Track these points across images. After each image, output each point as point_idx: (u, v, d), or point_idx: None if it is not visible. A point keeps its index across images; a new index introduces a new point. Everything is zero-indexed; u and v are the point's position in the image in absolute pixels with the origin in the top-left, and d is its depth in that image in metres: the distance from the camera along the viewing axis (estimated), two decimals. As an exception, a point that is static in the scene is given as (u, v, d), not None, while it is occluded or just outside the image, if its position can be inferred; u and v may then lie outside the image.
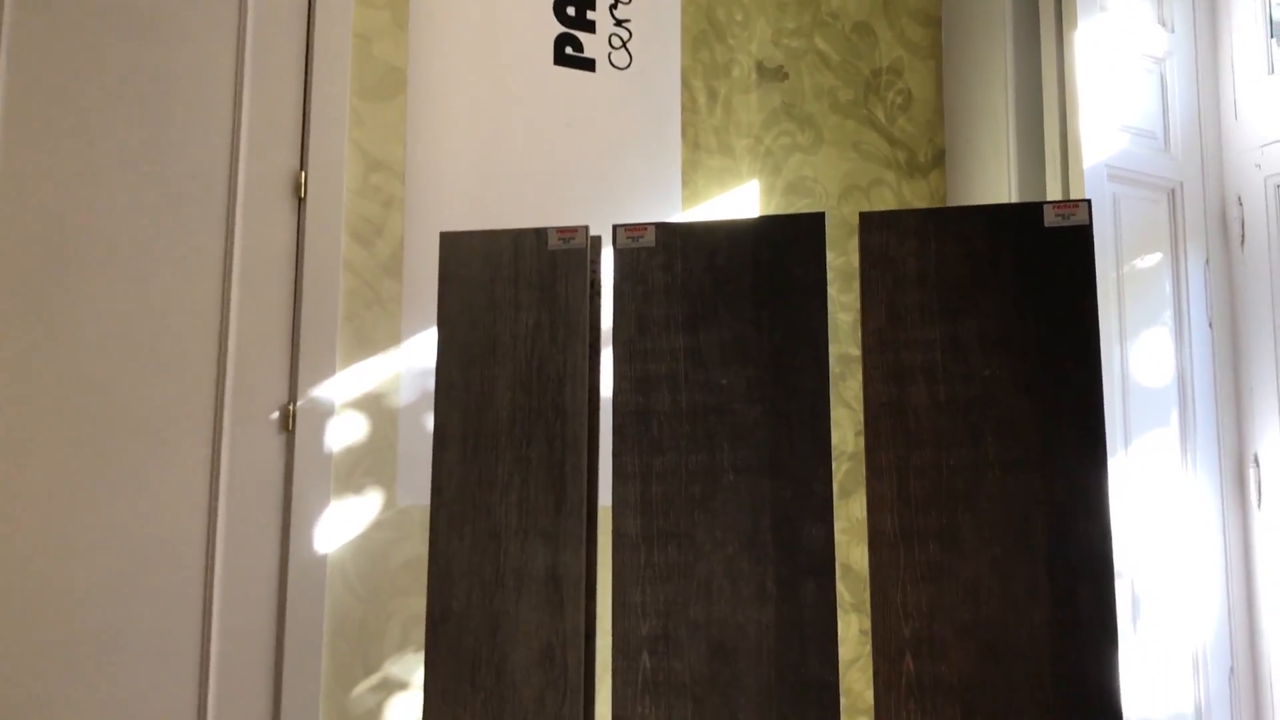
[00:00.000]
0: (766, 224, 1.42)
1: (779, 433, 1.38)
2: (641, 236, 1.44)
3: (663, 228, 1.44)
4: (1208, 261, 2.61)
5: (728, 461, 1.39)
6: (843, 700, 2.46)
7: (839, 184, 2.62)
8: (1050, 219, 1.36)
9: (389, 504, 2.02)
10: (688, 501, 1.39)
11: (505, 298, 1.46)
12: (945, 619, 1.31)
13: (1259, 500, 2.55)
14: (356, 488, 2.00)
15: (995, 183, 2.60)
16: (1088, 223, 1.35)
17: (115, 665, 1.74)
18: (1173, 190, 2.58)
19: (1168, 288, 2.57)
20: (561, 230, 1.45)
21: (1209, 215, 2.62)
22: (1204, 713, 2.47)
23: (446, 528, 1.44)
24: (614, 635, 1.39)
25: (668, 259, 1.44)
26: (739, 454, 1.39)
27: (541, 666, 1.39)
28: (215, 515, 1.85)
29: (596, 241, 1.48)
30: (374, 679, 1.97)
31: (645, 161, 2.34)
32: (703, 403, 1.41)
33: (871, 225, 1.40)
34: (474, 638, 1.41)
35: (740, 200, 2.49)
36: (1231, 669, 2.52)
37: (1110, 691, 1.26)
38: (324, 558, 1.92)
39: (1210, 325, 2.60)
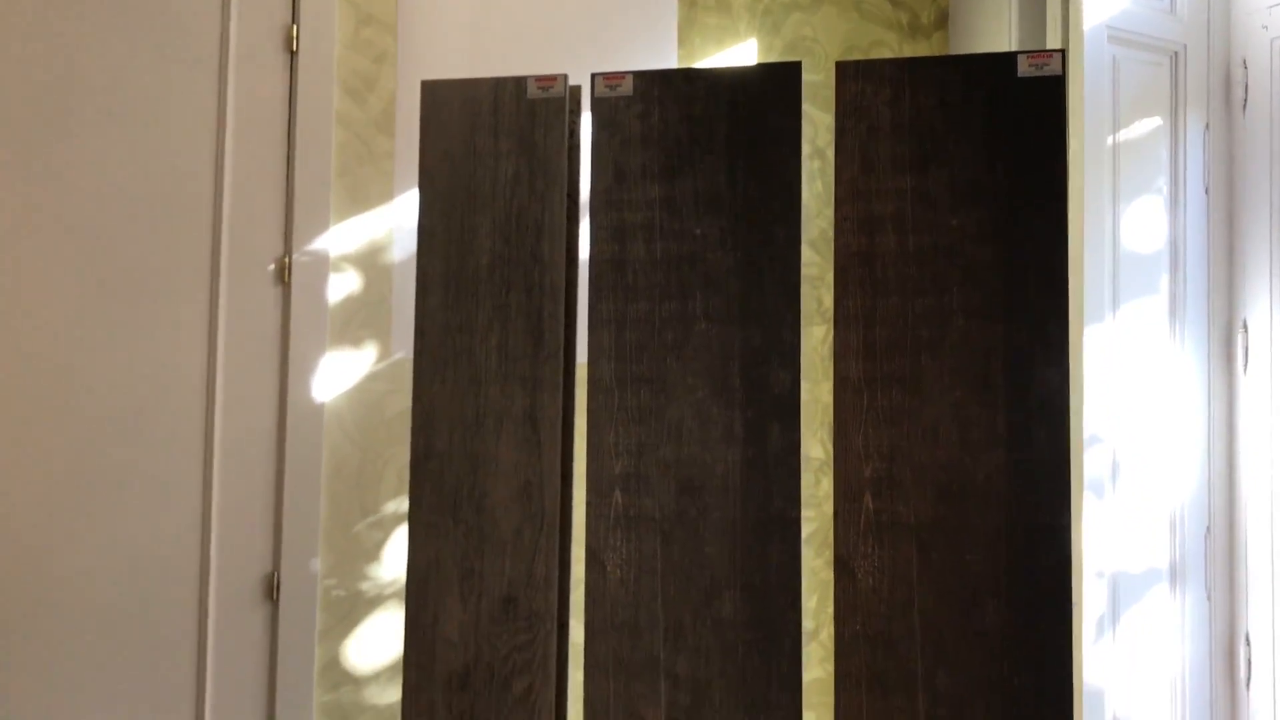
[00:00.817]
0: (743, 74, 1.43)
1: (750, 281, 1.41)
2: (619, 85, 1.45)
3: (641, 76, 1.45)
4: (1208, 127, 2.59)
5: (700, 309, 1.43)
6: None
7: (839, 45, 2.59)
8: (1024, 69, 1.36)
9: (383, 355, 2.08)
10: (660, 348, 1.44)
11: (485, 147, 1.48)
12: (905, 461, 1.37)
13: (1245, 366, 2.58)
14: (352, 340, 2.05)
15: (996, 44, 2.57)
16: (1060, 73, 1.35)
17: (122, 505, 1.82)
18: (1175, 53, 2.55)
19: (1164, 154, 2.56)
20: (540, 79, 1.47)
21: (1212, 79, 2.59)
22: (1179, 570, 2.55)
23: (429, 371, 1.49)
24: (588, 474, 1.45)
25: (645, 108, 1.45)
26: (711, 302, 1.42)
27: (519, 502, 1.46)
28: (214, 365, 1.91)
29: (576, 91, 1.50)
30: (370, 520, 2.05)
31: (641, 18, 2.33)
32: (677, 252, 1.44)
33: (847, 75, 1.41)
34: (456, 475, 1.48)
35: (737, 60, 2.47)
36: (1208, 529, 2.59)
37: (1060, 529, 1.32)
38: (321, 406, 1.98)
39: (1206, 192, 2.60)
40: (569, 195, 1.48)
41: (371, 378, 2.06)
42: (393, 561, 2.07)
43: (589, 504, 1.44)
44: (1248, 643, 2.56)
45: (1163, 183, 2.54)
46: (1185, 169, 2.55)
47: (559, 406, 1.46)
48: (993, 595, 1.32)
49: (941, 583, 1.34)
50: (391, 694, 2.05)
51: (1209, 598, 2.58)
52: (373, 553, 2.05)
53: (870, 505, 1.37)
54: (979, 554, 1.33)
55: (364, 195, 2.08)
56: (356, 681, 2.03)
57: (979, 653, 1.32)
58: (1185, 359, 2.57)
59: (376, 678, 2.05)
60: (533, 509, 1.45)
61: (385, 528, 2.07)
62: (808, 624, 2.53)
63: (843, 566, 1.37)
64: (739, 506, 1.40)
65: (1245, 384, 2.58)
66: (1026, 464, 1.33)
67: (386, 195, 2.10)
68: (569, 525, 1.49)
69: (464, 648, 1.45)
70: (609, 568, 1.43)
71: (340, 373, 2.03)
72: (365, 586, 2.04)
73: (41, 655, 1.74)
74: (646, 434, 1.43)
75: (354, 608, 2.03)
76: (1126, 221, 2.50)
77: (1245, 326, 2.58)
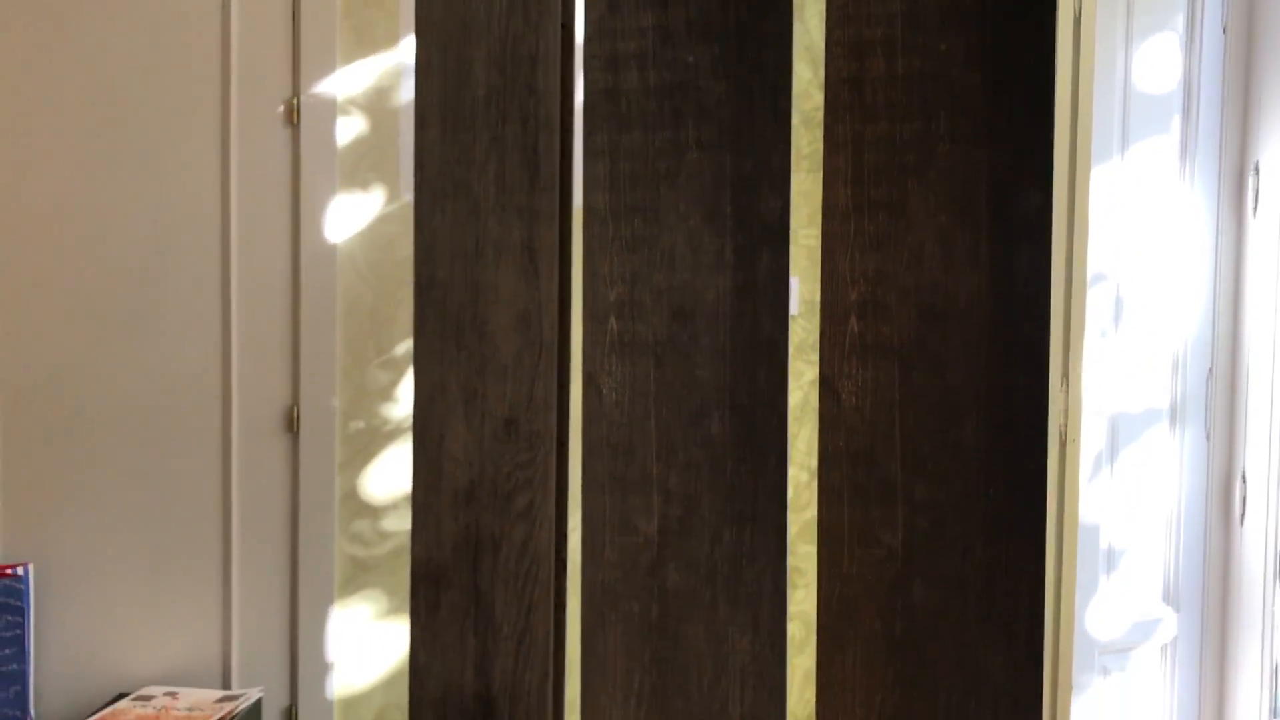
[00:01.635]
0: (736, -101, 1.42)
1: (741, 108, 1.44)
2: (611, -87, 1.45)
3: (633, -96, 1.45)
4: (1229, -38, 2.53)
5: (692, 138, 1.45)
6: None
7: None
8: (1016, -111, 1.35)
9: (393, 198, 2.12)
10: (653, 177, 1.47)
11: (479, -23, 1.49)
12: (889, 284, 1.41)
13: (1255, 208, 2.58)
14: (362, 182, 2.09)
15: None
16: (1053, -108, 1.34)
17: (147, 340, 1.90)
18: (1199, -116, 2.48)
19: (1183, -10, 2.51)
20: (533, -93, 1.47)
21: (1235, -89, 2.53)
22: (1179, 410, 2.60)
23: (429, 203, 1.53)
24: (584, 301, 1.50)
25: (637, -64, 1.45)
26: (703, 130, 1.45)
27: (519, 329, 1.52)
28: (229, 207, 1.96)
29: (569, -80, 1.50)
30: (385, 358, 2.12)
31: None
32: (670, 80, 1.46)
33: (838, -102, 1.40)
34: (458, 303, 1.53)
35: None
36: (1210, 370, 2.63)
37: (1038, 348, 1.36)
38: (334, 247, 2.03)
39: (1224, 31, 2.55)
40: (564, 25, 1.49)
41: (382, 220, 2.11)
42: (406, 399, 2.14)
43: (585, 330, 1.49)
44: (1244, 481, 2.63)
45: (1179, 21, 2.50)
46: (1203, 7, 2.50)
47: (555, 237, 1.50)
48: (971, 412, 1.37)
49: (922, 401, 1.39)
50: (408, 522, 2.15)
51: (1208, 438, 2.63)
52: (388, 390, 2.13)
53: (855, 328, 1.41)
54: (959, 373, 1.38)
55: (370, 37, 2.09)
56: (375, 511, 2.13)
57: (957, 467, 1.38)
58: (1194, 200, 2.57)
59: (395, 507, 2.15)
60: (531, 335, 1.51)
61: (399, 367, 2.14)
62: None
63: (827, 387, 1.42)
64: (728, 332, 1.45)
65: (1254, 226, 2.58)
66: (1008, 285, 1.37)
67: (392, 38, 2.11)
68: (567, 351, 1.55)
69: (469, 466, 1.53)
70: (605, 391, 1.49)
71: (351, 215, 2.08)
72: (381, 422, 2.12)
73: (82, 470, 1.84)
74: (640, 263, 1.47)
75: (371, 441, 2.12)
76: (1139, 61, 2.47)
77: (1256, 169, 2.57)
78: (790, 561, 2.59)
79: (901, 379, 1.40)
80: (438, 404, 1.54)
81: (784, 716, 1.43)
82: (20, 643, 1.66)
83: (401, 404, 2.13)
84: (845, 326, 1.41)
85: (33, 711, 1.71)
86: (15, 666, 1.66)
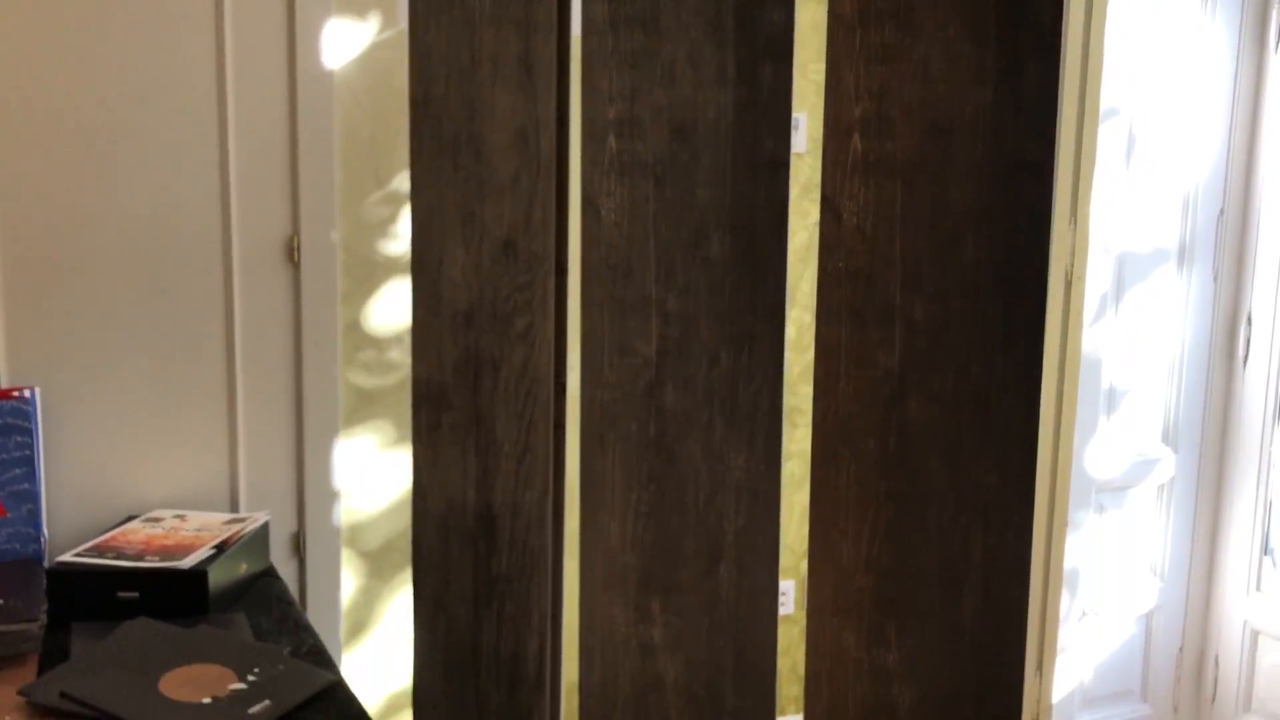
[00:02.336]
0: None
1: (744, -86, 1.38)
2: None
3: None
4: None
5: (693, -54, 1.40)
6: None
7: None
8: None
9: (388, 24, 2.07)
10: (654, -13, 1.42)
11: None
12: (894, 99, 1.37)
13: (1276, 44, 2.50)
14: (357, 10, 2.04)
15: None
16: None
17: (144, 170, 1.87)
18: None
19: None
20: None
21: None
22: (1187, 250, 2.58)
23: (423, 15, 1.49)
24: (583, 119, 1.48)
25: None
26: (705, -62, 1.40)
27: (516, 148, 1.49)
28: (222, 31, 1.91)
29: None
30: (385, 190, 2.10)
31: None
32: (671, -115, 1.40)
33: None
34: (454, 121, 1.51)
35: None
36: (1221, 210, 2.59)
37: (1043, 166, 1.34)
38: (330, 73, 1.99)
39: None
40: None
41: (378, 46, 2.06)
42: (408, 233, 2.13)
43: (584, 149, 1.47)
44: (1249, 323, 2.62)
45: None
46: None
47: (553, 50, 1.46)
48: (973, 231, 1.36)
49: (924, 219, 1.37)
50: (412, 354, 2.16)
51: (1215, 279, 2.61)
52: (388, 224, 2.11)
53: (858, 145, 1.39)
54: (962, 190, 1.36)
55: None
56: (378, 343, 2.14)
57: (956, 286, 1.37)
58: (1215, 34, 2.49)
59: (399, 340, 2.16)
60: (529, 154, 1.49)
61: (399, 201, 2.12)
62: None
63: (828, 206, 1.40)
64: (729, 150, 1.43)
65: (1275, 62, 2.51)
66: (1014, 101, 1.34)
67: None
68: (565, 171, 1.53)
69: (467, 288, 1.53)
70: (603, 212, 1.48)
71: (347, 41, 2.03)
72: (382, 254, 2.12)
73: (84, 298, 1.85)
74: (640, 78, 1.44)
75: (372, 273, 2.11)
76: (1166, -117, 2.37)
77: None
78: (791, 402, 2.61)
79: (904, 197, 1.38)
80: (435, 225, 1.53)
81: (778, 532, 1.45)
82: (30, 463, 1.69)
83: (402, 239, 2.12)
84: (848, 143, 1.39)
85: (45, 531, 1.75)
86: (26, 486, 1.69)
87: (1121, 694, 2.65)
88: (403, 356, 2.16)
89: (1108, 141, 2.38)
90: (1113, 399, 2.54)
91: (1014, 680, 1.39)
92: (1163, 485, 2.64)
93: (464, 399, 1.54)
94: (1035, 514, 1.38)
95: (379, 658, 2.24)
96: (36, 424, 1.72)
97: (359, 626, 2.21)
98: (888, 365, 1.39)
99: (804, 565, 2.71)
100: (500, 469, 1.54)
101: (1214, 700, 2.68)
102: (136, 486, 1.92)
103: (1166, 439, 2.63)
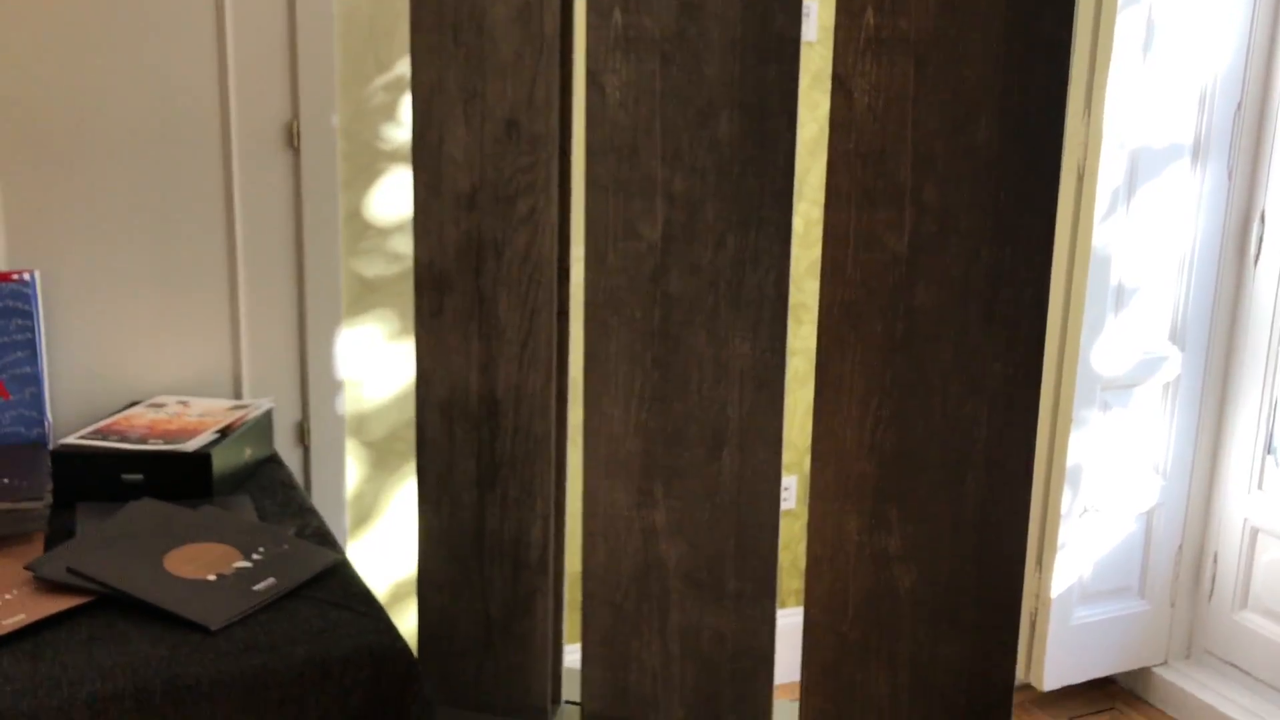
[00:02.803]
0: None
1: None
2: None
3: None
4: None
5: None
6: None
7: None
8: None
9: (388, -101, 2.00)
10: None
11: None
12: (909, -27, 1.33)
13: (1306, -71, 2.42)
14: (355, -118, 1.97)
15: None
16: None
17: (139, 52, 1.83)
18: None
19: None
20: None
21: None
22: (1202, 146, 2.53)
23: (423, -116, 1.44)
24: (588, -7, 1.43)
25: None
26: None
27: (519, 24, 1.45)
28: (216, -94, 1.86)
29: None
30: (386, 77, 2.06)
31: None
32: None
33: None
34: (455, -4, 1.46)
35: None
36: (1239, 105, 2.54)
37: (1061, 44, 1.30)
38: (327, -47, 1.94)
39: None
40: None
41: (378, -76, 2.00)
42: (409, 119, 2.09)
43: (589, 25, 1.43)
44: (1262, 221, 2.58)
45: None
46: None
47: (557, -79, 1.42)
48: (987, 111, 1.33)
49: (936, 100, 1.34)
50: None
51: (1230, 176, 2.57)
52: (390, 107, 2.07)
53: (871, 21, 1.34)
54: (976, 70, 1.32)
55: None
56: (381, 232, 2.11)
57: (968, 169, 1.34)
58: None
59: (401, 229, 2.13)
60: (532, 30, 1.45)
61: (401, 86, 2.08)
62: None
63: (840, 85, 1.37)
64: (739, 25, 1.38)
65: (1303, -51, 2.43)
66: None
67: None
68: (570, 48, 1.49)
69: (469, 169, 1.50)
70: (608, 90, 1.44)
71: (345, -82, 1.97)
72: (384, 141, 2.08)
73: (82, 182, 1.82)
74: (647, -50, 1.39)
75: (374, 161, 2.08)
76: None
77: (1313, -116, 2.40)
78: (797, 298, 2.59)
79: (916, 76, 1.34)
80: (436, 104, 1.49)
81: (781, 418, 1.45)
82: (32, 346, 1.68)
83: (403, 126, 2.08)
84: (861, 19, 1.35)
85: (49, 415, 1.75)
86: (29, 370, 1.69)
87: (1120, 590, 2.68)
88: (405, 246, 2.13)
89: (1125, 30, 2.32)
90: (1121, 296, 2.51)
91: (1015, 566, 1.40)
92: (1168, 384, 2.64)
93: (466, 283, 1.53)
94: (1039, 409, 1.37)
95: (383, 547, 2.26)
96: (37, 307, 1.70)
97: (363, 516, 2.23)
98: (896, 249, 1.37)
99: (807, 461, 2.72)
100: (503, 354, 1.53)
101: (1211, 597, 2.71)
102: (139, 373, 1.91)
103: (1174, 337, 2.61)
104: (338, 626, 1.26)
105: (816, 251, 2.62)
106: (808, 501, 1.47)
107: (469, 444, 1.56)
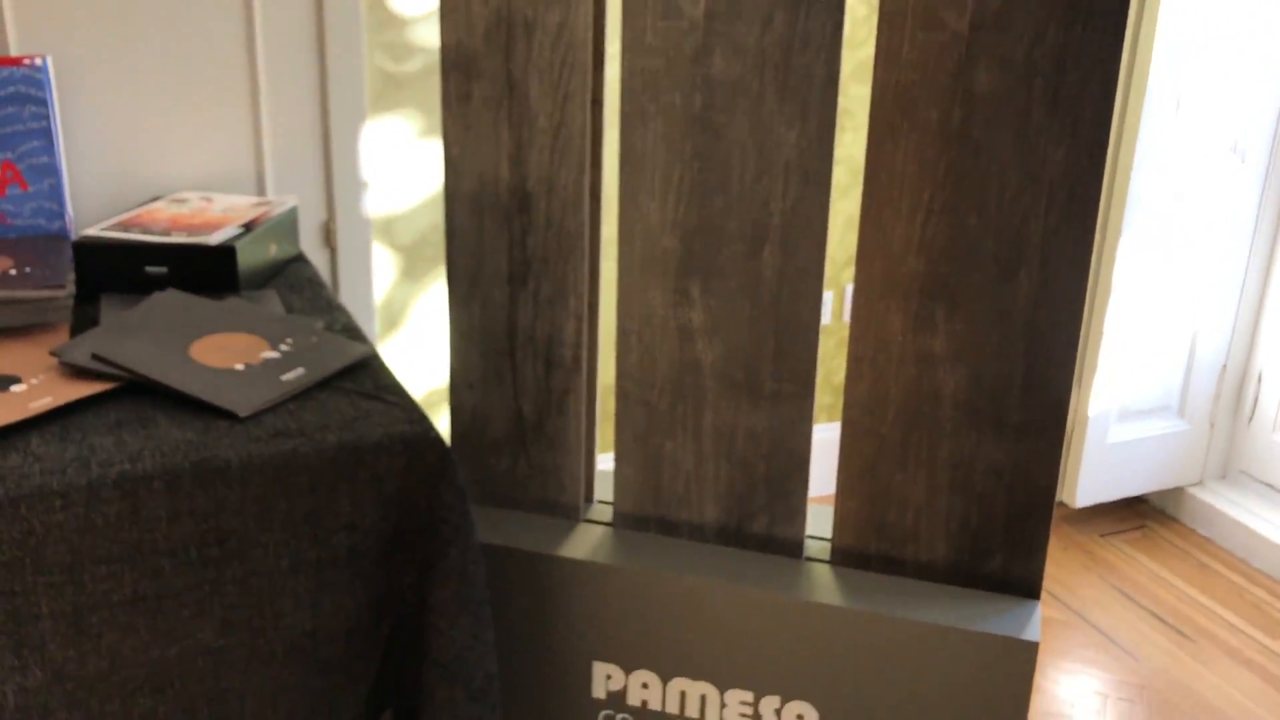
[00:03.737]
0: None
1: None
2: None
3: None
4: None
5: None
6: None
7: None
8: None
9: None
10: None
11: None
12: None
13: None
14: None
15: None
16: None
17: None
18: None
19: None
20: None
21: None
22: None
23: None
24: None
25: None
26: None
27: None
28: None
29: None
30: None
31: None
32: None
33: None
34: None
35: None
36: (1326, -105, 2.35)
37: None
38: None
39: None
40: None
41: None
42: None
43: None
44: (1340, 25, 2.42)
45: None
46: None
47: None
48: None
49: None
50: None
51: (1309, -26, 2.40)
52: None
53: None
54: None
55: None
56: (405, 22, 2.01)
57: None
58: None
59: (426, 19, 2.03)
60: None
61: None
62: None
63: None
64: None
65: None
66: None
67: None
68: None
69: (498, -60, 1.40)
70: None
71: None
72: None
73: None
74: None
75: (397, -55, 1.97)
76: None
77: None
78: (840, 104, 2.48)
79: None
80: None
81: (827, 213, 1.38)
82: (48, 135, 1.63)
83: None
84: None
85: (69, 208, 1.71)
86: (46, 159, 1.64)
87: (1159, 409, 2.64)
88: (432, 37, 2.04)
89: None
90: (1180, 103, 2.39)
91: (1064, 369, 1.35)
92: (1224, 198, 2.53)
93: (496, 66, 1.44)
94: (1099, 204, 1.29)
95: (411, 353, 2.24)
96: (51, 95, 1.64)
97: (392, 322, 2.20)
98: (956, 28, 1.27)
99: (845, 274, 2.66)
100: (534, 144, 1.46)
101: (1252, 418, 2.67)
102: (160, 168, 1.86)
103: (1234, 149, 2.50)
104: (369, 415, 1.23)
105: (862, 53, 2.50)
106: (850, 309, 1.41)
107: (500, 238, 1.51)
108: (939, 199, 1.33)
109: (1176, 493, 2.75)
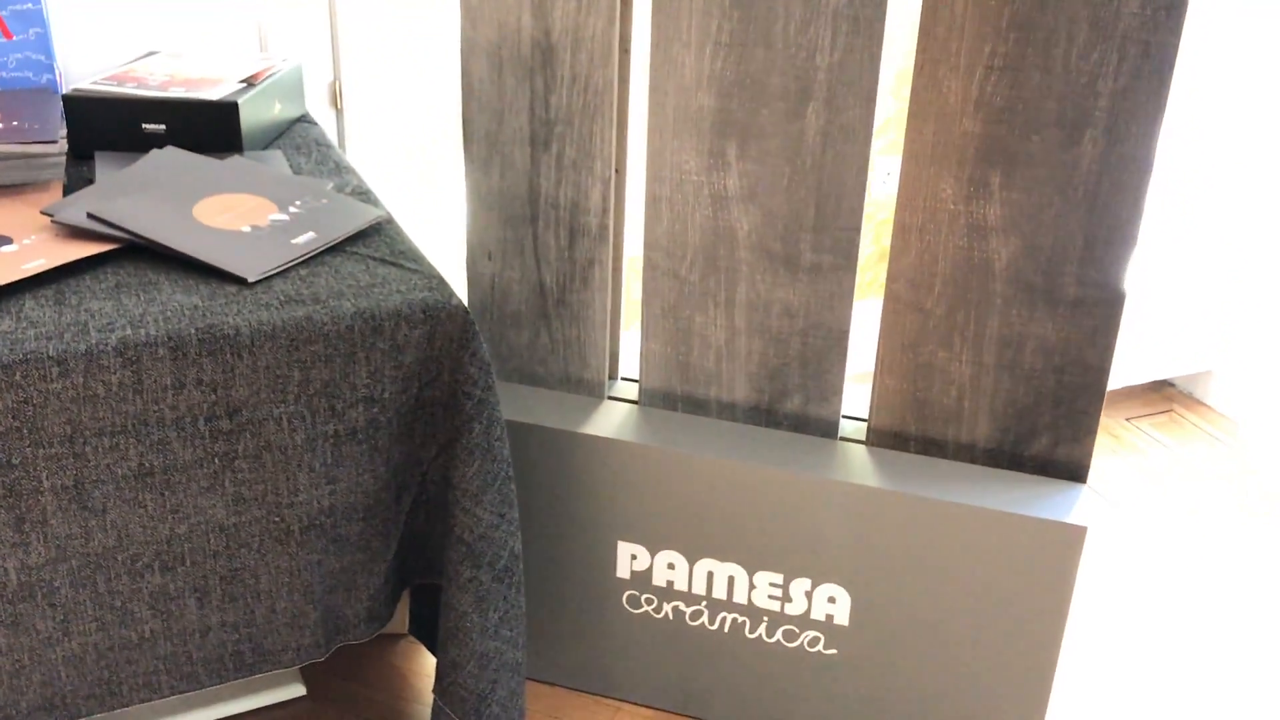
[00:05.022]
0: None
1: None
2: None
3: None
4: None
5: None
6: None
7: None
8: None
9: None
10: None
11: None
12: None
13: None
14: None
15: None
16: None
17: None
18: None
19: None
20: None
21: None
22: None
23: None
24: None
25: None
26: None
27: None
28: None
29: None
30: None
31: None
32: None
33: None
34: None
35: None
36: None
37: None
38: None
39: None
40: None
41: None
42: None
43: None
44: None
45: None
46: None
47: None
48: None
49: None
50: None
51: None
52: None
53: None
54: None
55: None
56: None
57: None
58: None
59: None
60: None
61: None
62: None
63: None
64: None
65: None
66: None
67: None
68: None
69: None
70: None
71: None
72: None
73: None
74: None
75: None
76: None
77: None
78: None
79: None
80: None
81: (878, 68, 1.27)
82: (31, -21, 1.51)
83: None
84: None
85: (58, 60, 1.60)
86: (31, 5, 1.52)
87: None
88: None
89: None
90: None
91: (1125, 245, 1.26)
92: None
93: (519, -97, 1.32)
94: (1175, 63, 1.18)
95: (423, 223, 2.15)
96: (32, -66, 1.51)
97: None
98: None
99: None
100: (560, -9, 1.34)
101: None
102: (153, 21, 1.74)
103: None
104: (386, 282, 1.15)
105: None
106: (900, 164, 1.32)
107: (521, 95, 1.40)
108: (1000, 54, 1.22)
109: (1203, 376, 2.68)
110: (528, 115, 1.41)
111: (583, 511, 1.46)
